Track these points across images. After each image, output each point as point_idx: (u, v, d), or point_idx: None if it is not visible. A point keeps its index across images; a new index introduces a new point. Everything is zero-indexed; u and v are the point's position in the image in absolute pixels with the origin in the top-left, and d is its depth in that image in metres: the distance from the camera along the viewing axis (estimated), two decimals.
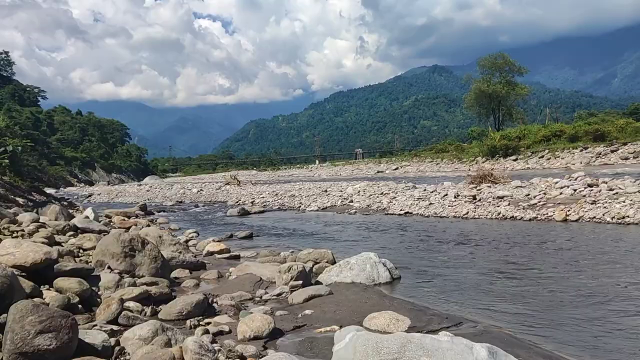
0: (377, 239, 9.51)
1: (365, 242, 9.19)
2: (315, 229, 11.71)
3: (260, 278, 6.17)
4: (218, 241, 9.45)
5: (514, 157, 37.40)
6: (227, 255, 8.24)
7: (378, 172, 45.91)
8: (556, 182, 12.58)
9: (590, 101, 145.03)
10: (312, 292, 5.35)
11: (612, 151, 32.68)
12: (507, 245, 7.93)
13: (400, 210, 13.40)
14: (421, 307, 4.92)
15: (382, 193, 16.52)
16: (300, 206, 17.30)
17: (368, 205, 15.11)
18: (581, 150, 34.23)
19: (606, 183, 11.47)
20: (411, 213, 12.99)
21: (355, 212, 14.61)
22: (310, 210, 16.14)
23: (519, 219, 10.45)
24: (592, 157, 32.43)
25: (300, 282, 5.71)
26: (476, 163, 38.19)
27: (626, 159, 30.49)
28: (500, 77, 52.10)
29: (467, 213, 11.59)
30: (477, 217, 11.26)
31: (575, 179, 12.78)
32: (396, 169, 47.38)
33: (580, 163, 30.98)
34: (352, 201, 16.40)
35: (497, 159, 38.03)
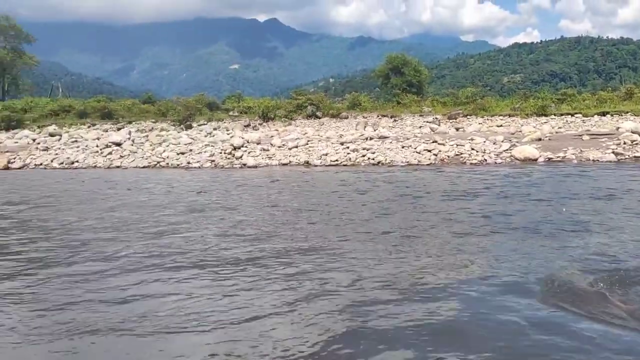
0: None
1: None
2: None
3: None
4: None
5: (17, 130, 33.88)
6: None
7: None
8: None
9: (112, 89, 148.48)
10: None
11: (118, 129, 33.94)
12: None
13: None
14: None
15: None
16: None
17: None
18: (89, 127, 34.05)
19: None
20: None
21: None
22: None
23: None
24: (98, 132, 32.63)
25: None
26: None
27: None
28: (5, 42, 46.08)
29: None
30: None
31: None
32: None
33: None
34: None
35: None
